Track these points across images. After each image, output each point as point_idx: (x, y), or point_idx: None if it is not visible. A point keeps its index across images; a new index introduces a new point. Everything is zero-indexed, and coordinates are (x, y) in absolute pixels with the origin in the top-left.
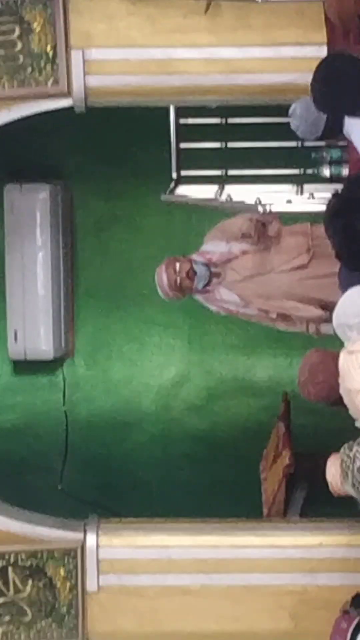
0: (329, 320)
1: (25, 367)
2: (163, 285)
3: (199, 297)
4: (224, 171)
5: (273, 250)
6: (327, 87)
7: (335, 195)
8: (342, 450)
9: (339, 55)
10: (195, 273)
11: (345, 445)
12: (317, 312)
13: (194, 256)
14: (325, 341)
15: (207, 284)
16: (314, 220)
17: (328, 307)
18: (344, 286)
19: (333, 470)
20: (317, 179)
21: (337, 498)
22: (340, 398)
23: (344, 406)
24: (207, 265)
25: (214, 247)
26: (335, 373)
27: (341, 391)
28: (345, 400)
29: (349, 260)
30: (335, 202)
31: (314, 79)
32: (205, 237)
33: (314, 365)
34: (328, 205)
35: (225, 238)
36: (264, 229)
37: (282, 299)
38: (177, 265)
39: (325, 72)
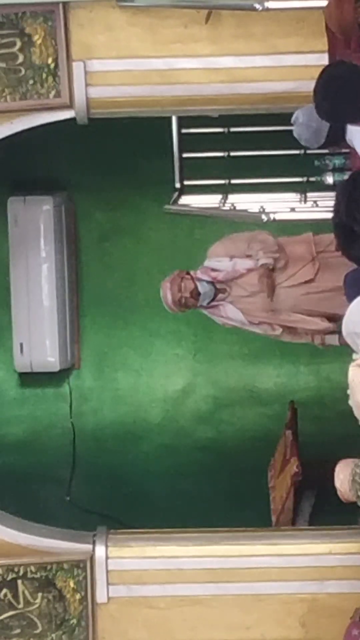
0: (334, 331)
1: (31, 379)
2: (167, 302)
3: (204, 311)
4: (227, 180)
5: (278, 266)
6: (329, 96)
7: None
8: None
9: (340, 63)
10: (199, 294)
11: (358, 461)
12: (324, 324)
13: (199, 273)
14: (330, 352)
15: (212, 300)
16: (318, 229)
17: (334, 319)
18: (351, 296)
19: (341, 477)
20: (321, 186)
21: (345, 505)
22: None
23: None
24: (212, 282)
25: (218, 264)
26: None
27: (350, 403)
28: (356, 414)
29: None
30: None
31: (315, 88)
32: (209, 250)
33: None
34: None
35: (230, 255)
36: (272, 273)
37: (289, 313)
38: (182, 284)
39: (326, 81)
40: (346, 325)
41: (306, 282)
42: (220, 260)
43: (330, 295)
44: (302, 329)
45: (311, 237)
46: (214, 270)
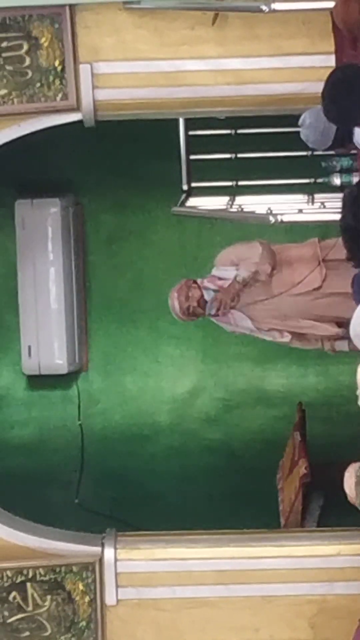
0: (345, 337)
1: (39, 381)
2: (176, 311)
3: (213, 319)
4: (234, 182)
5: (285, 272)
6: (337, 99)
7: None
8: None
9: (348, 66)
10: (206, 302)
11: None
12: (334, 329)
13: (206, 282)
14: (340, 357)
15: (219, 309)
16: (326, 230)
17: (343, 324)
18: (359, 298)
19: (350, 482)
20: (328, 188)
21: (354, 507)
22: None
23: None
24: (219, 291)
25: (225, 273)
26: None
27: (359, 404)
28: None
29: None
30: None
31: (323, 91)
32: (216, 258)
33: None
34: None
35: (234, 263)
36: (242, 288)
37: (298, 319)
38: (189, 293)
39: (334, 83)
40: (353, 327)
41: (314, 290)
42: (227, 269)
43: (338, 300)
44: (311, 335)
45: (316, 242)
46: (220, 279)
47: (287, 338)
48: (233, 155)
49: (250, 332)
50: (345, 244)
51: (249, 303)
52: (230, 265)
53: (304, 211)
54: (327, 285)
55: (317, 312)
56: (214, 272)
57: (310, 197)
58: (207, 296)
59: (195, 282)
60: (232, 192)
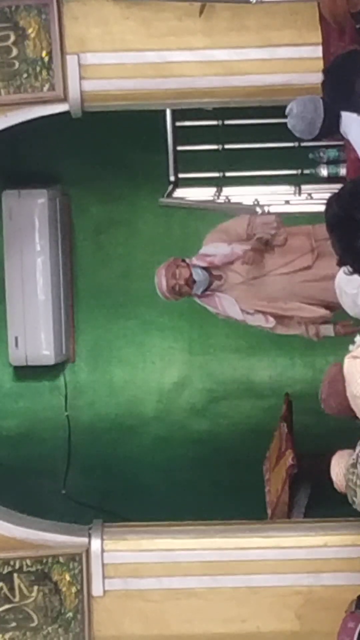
0: (329, 321)
1: (26, 372)
2: (162, 288)
3: (198, 300)
4: (221, 173)
5: (277, 251)
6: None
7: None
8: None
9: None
10: (194, 281)
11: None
12: (321, 311)
13: (195, 260)
14: (326, 344)
15: (207, 289)
16: (313, 221)
17: (331, 307)
18: None
19: (337, 470)
20: (315, 179)
21: (341, 497)
22: None
23: None
24: (208, 269)
25: (215, 249)
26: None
27: (348, 396)
28: (352, 405)
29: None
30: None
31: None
32: (205, 239)
33: (333, 376)
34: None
35: (227, 240)
36: (266, 247)
37: (286, 300)
38: (177, 271)
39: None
40: (338, 284)
41: (304, 269)
42: (217, 247)
43: (327, 284)
44: (297, 317)
45: (310, 230)
46: (208, 255)
47: (271, 324)
48: (220, 147)
49: (234, 314)
50: (336, 241)
51: (235, 283)
52: (220, 242)
53: (291, 202)
54: (317, 267)
55: (305, 295)
56: (202, 250)
57: (297, 188)
58: (196, 276)
59: (184, 260)
60: (219, 183)
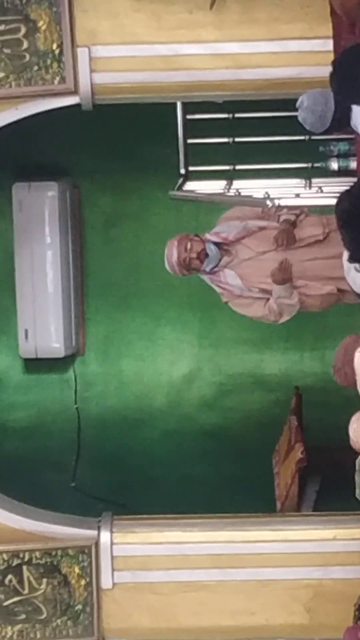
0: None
1: (36, 365)
2: (171, 260)
3: (204, 277)
4: (231, 166)
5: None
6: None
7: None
8: None
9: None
10: (207, 255)
11: None
12: (328, 287)
13: (208, 235)
14: (335, 337)
15: (216, 266)
16: (324, 213)
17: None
18: None
19: (355, 426)
20: (325, 172)
21: (350, 490)
22: None
23: None
24: (220, 245)
25: (229, 228)
26: None
27: (358, 388)
28: None
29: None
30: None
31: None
32: (220, 219)
33: (349, 345)
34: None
35: (242, 219)
36: (294, 226)
37: (294, 278)
38: (190, 244)
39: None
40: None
41: (314, 243)
42: (230, 225)
43: (336, 263)
44: (302, 295)
45: (323, 220)
46: (224, 232)
47: (275, 306)
48: (230, 140)
49: (240, 291)
50: (346, 237)
51: (244, 259)
52: (236, 220)
53: (301, 195)
54: (327, 246)
55: (314, 272)
56: (217, 228)
57: (308, 181)
58: (209, 251)
59: (197, 235)
60: (230, 176)
